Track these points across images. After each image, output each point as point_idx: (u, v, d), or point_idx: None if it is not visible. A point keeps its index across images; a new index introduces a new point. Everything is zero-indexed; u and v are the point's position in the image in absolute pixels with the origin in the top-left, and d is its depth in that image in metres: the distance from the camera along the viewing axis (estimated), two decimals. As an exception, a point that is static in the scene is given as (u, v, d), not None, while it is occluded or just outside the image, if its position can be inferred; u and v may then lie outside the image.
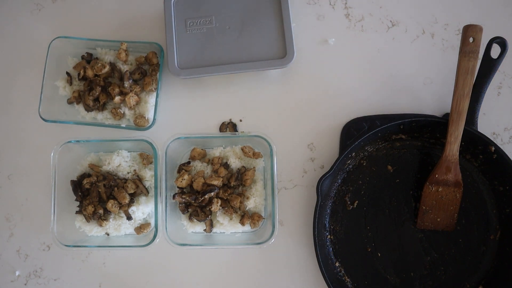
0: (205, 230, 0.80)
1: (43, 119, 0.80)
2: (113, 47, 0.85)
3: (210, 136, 0.82)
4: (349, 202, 0.82)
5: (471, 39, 0.72)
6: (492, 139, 0.79)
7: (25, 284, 0.84)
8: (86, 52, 0.84)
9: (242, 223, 0.78)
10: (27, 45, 0.89)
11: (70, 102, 0.83)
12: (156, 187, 0.77)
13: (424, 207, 0.79)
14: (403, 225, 0.81)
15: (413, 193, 0.81)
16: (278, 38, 0.80)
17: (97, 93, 0.81)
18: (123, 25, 0.88)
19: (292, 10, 0.81)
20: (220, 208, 0.78)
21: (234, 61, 0.80)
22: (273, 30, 0.80)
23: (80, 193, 0.80)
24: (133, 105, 0.81)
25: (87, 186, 0.79)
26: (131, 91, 0.81)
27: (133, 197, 0.80)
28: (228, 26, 0.81)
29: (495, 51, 0.76)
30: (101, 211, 0.79)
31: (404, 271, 0.80)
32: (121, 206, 0.79)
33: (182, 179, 0.78)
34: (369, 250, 0.80)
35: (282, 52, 0.80)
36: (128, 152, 0.83)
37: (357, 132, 0.81)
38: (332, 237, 0.81)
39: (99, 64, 0.80)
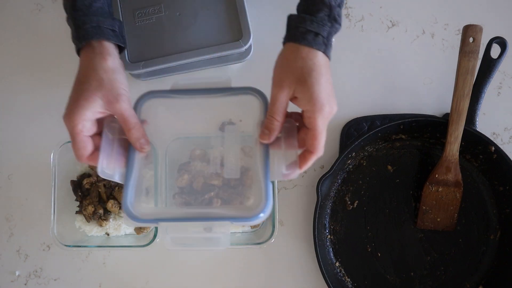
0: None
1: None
2: None
3: (210, 136, 0.82)
4: (349, 202, 0.82)
5: (471, 39, 0.72)
6: (492, 139, 0.79)
7: (25, 284, 0.84)
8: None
9: (242, 223, 0.78)
10: (27, 45, 0.89)
11: None
12: (156, 187, 0.77)
13: (424, 207, 0.79)
14: (403, 225, 0.81)
15: (413, 193, 0.81)
16: (232, 19, 0.77)
17: None
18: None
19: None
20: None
21: (190, 49, 0.77)
22: (226, 11, 0.77)
23: (80, 193, 0.80)
24: None
25: (87, 186, 0.79)
26: None
27: (133, 197, 0.80)
28: (179, 13, 0.78)
29: (495, 51, 0.76)
30: (101, 211, 0.79)
31: (404, 271, 0.80)
32: (121, 206, 0.79)
33: (182, 179, 0.78)
34: (369, 250, 0.80)
35: (238, 34, 0.77)
36: (128, 152, 0.82)
37: (357, 132, 0.81)
38: (332, 237, 0.81)
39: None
